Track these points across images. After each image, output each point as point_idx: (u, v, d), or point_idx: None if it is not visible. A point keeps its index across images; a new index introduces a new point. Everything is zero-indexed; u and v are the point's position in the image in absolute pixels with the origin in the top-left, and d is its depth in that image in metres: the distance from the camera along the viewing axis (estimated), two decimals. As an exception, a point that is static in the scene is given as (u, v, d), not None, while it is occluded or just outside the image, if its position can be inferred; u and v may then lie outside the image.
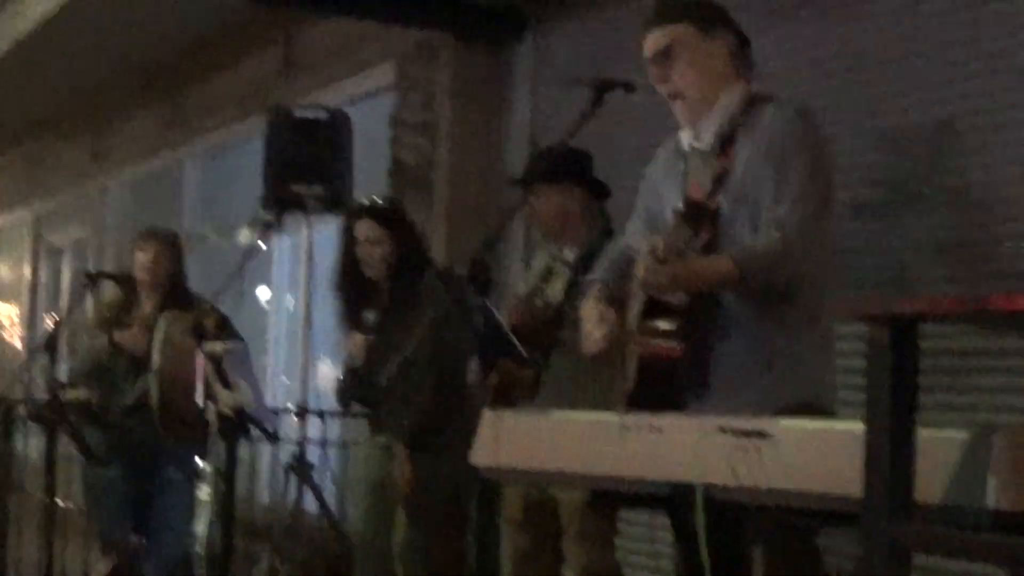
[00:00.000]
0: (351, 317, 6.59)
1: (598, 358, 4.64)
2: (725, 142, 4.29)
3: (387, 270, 6.44)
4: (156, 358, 6.30)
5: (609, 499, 4.20)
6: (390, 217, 6.56)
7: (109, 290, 7.31)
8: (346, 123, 7.21)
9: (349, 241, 6.56)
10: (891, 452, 2.71)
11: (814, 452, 3.01)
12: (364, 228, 6.50)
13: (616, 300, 4.46)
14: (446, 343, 6.13)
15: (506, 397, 5.44)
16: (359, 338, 6.48)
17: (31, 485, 9.42)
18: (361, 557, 6.60)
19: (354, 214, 6.63)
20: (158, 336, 6.37)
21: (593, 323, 4.44)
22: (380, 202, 6.84)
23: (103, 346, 6.83)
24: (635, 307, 4.29)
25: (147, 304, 6.97)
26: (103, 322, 6.98)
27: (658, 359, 4.19)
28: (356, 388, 6.64)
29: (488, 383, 5.57)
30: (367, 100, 9.76)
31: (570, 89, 4.34)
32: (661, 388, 4.16)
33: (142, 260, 6.97)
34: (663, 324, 4.20)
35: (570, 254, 5.68)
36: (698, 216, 4.14)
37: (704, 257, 4.21)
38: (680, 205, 4.18)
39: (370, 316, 6.52)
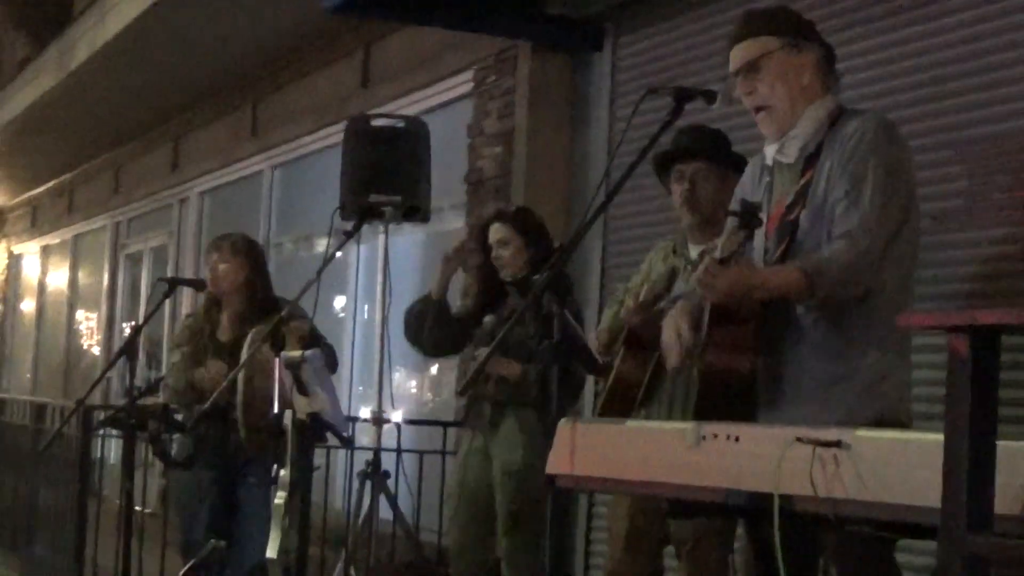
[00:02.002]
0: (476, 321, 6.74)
1: (676, 373, 4.63)
2: (810, 156, 4.28)
3: (521, 271, 6.51)
4: (243, 372, 6.28)
5: (685, 508, 4.18)
6: (518, 219, 6.66)
7: (188, 318, 7.31)
8: (424, 132, 7.22)
9: (485, 248, 6.68)
10: (971, 463, 2.68)
11: (893, 463, 2.99)
12: (494, 230, 6.62)
13: (699, 314, 4.44)
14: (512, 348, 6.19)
15: (621, 401, 5.36)
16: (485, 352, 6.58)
17: (109, 490, 9.52)
18: (456, 565, 6.61)
19: (488, 220, 6.78)
20: (246, 352, 6.33)
21: (671, 340, 4.44)
22: (513, 207, 6.99)
23: (182, 388, 6.83)
24: (705, 316, 4.28)
25: (227, 316, 6.97)
26: (188, 349, 6.94)
27: (721, 370, 4.18)
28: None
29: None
30: (445, 109, 9.80)
31: (649, 99, 4.31)
32: (725, 399, 4.14)
33: (208, 272, 6.98)
34: (732, 334, 4.19)
35: (694, 252, 5.54)
36: (752, 218, 4.13)
37: (773, 267, 4.20)
38: (735, 207, 4.18)
39: (489, 320, 6.61)
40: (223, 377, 6.56)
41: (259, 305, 6.86)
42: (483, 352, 6.39)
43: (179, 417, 6.72)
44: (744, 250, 4.15)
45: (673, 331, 4.43)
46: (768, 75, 4.30)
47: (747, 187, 4.52)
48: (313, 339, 6.28)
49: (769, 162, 4.40)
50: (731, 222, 4.14)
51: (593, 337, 5.87)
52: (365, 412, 7.74)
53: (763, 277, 4.17)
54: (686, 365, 4.46)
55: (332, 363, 6.52)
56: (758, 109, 4.34)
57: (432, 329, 6.72)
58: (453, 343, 6.88)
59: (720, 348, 4.21)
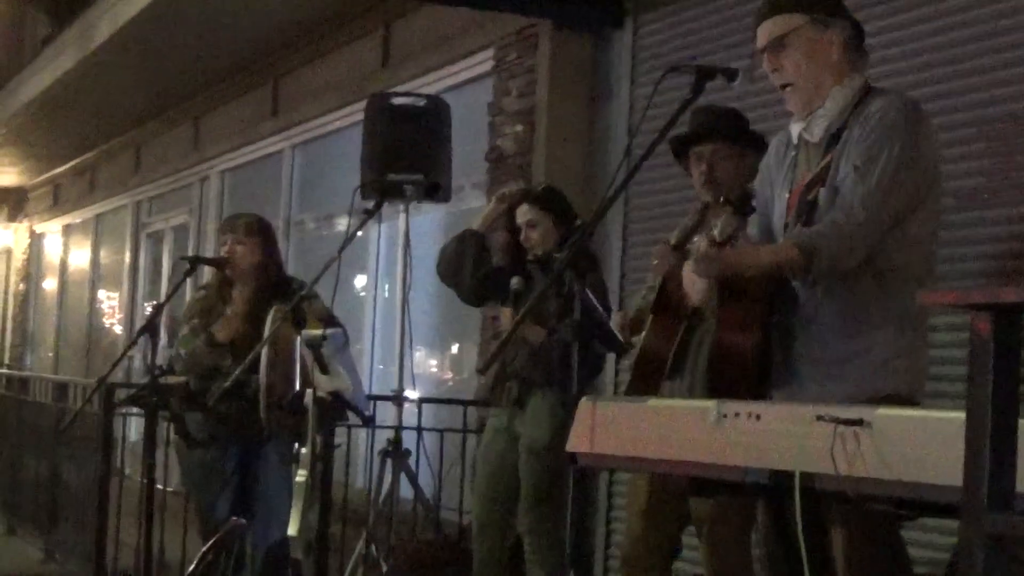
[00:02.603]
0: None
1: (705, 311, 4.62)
2: (834, 136, 4.27)
3: (549, 252, 6.45)
4: (267, 352, 6.27)
5: (705, 486, 4.18)
6: (547, 200, 6.60)
7: (200, 292, 7.30)
8: (445, 110, 7.23)
9: (512, 228, 6.62)
10: (992, 441, 2.68)
11: (914, 441, 2.98)
12: (522, 211, 6.57)
13: None
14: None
15: (649, 375, 5.32)
16: (507, 311, 6.52)
17: (131, 468, 9.54)
18: (478, 542, 6.61)
19: (515, 201, 6.69)
20: (269, 329, 6.30)
21: (690, 278, 4.45)
22: (538, 188, 6.91)
23: (201, 345, 6.82)
24: (713, 296, 4.29)
25: (240, 293, 6.96)
26: (199, 322, 6.94)
27: (734, 346, 4.18)
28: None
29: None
30: (466, 87, 9.79)
31: (669, 77, 4.30)
32: (739, 374, 4.15)
33: (223, 252, 6.97)
34: (740, 311, 4.20)
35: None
36: (746, 204, 4.14)
37: (767, 245, 4.21)
38: (729, 195, 4.19)
39: (516, 280, 6.52)
40: (241, 328, 6.58)
41: (272, 285, 6.86)
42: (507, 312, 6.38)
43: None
44: (740, 234, 4.15)
45: (691, 273, 4.45)
46: (794, 52, 4.29)
47: (771, 163, 4.52)
48: (329, 320, 6.29)
49: (795, 139, 4.39)
50: (725, 208, 4.15)
51: (617, 318, 5.85)
52: (385, 391, 7.76)
53: (757, 256, 4.18)
54: (711, 300, 4.46)
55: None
56: (784, 86, 4.33)
57: (473, 268, 6.64)
58: (492, 288, 6.75)
59: (728, 326, 4.22)
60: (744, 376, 4.16)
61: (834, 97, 4.28)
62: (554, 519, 6.28)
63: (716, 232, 4.09)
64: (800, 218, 4.25)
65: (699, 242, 4.20)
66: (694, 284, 4.48)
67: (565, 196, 6.73)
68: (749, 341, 4.19)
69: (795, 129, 4.39)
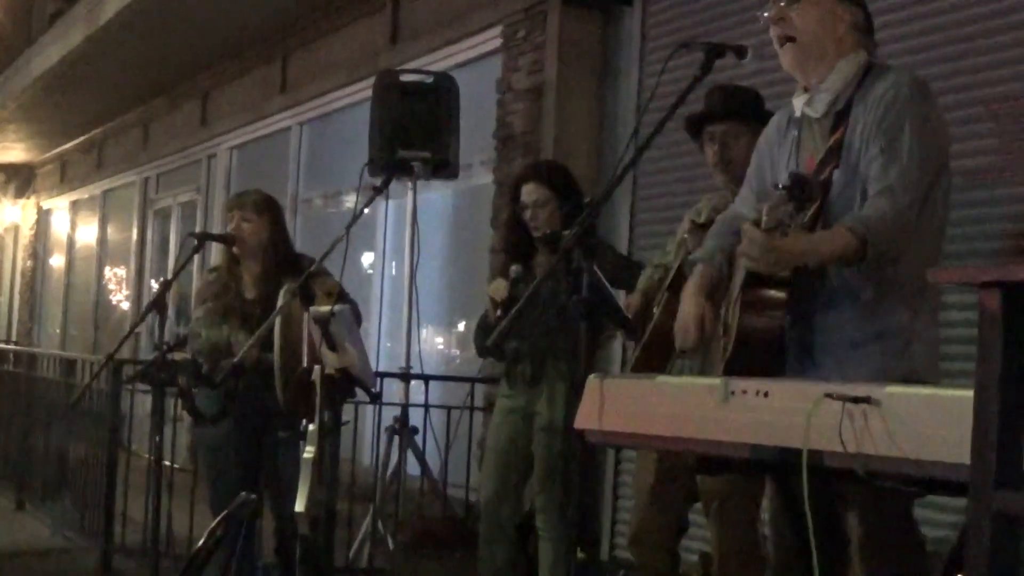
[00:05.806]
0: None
1: (687, 352, 4.58)
2: (840, 112, 4.25)
3: (557, 231, 6.30)
4: (279, 333, 6.25)
5: (714, 464, 4.18)
6: (554, 178, 6.49)
7: (211, 273, 7.28)
8: (453, 88, 7.23)
9: (515, 204, 6.52)
10: (1001, 420, 2.67)
11: (922, 419, 2.98)
12: (530, 190, 6.45)
13: (718, 285, 4.42)
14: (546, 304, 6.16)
15: (659, 350, 5.34)
16: (501, 282, 6.37)
17: (138, 445, 9.57)
18: (487, 520, 6.60)
19: (521, 177, 6.60)
20: (280, 310, 6.27)
21: (691, 320, 4.41)
22: (545, 164, 6.80)
23: (226, 342, 6.78)
24: (739, 276, 4.26)
25: (249, 271, 6.95)
26: (213, 305, 6.92)
27: (758, 330, 4.16)
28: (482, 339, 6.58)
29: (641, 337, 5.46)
30: (474, 65, 9.78)
31: (679, 54, 4.28)
32: (759, 358, 4.13)
33: (232, 230, 6.95)
34: (765, 295, 4.18)
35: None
36: (803, 191, 4.10)
37: (820, 233, 4.16)
38: (785, 179, 4.15)
39: (516, 267, 6.45)
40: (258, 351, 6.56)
41: (281, 262, 6.85)
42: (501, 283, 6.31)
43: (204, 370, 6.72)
44: (790, 222, 4.10)
45: (696, 312, 4.40)
46: (808, 8, 4.24)
47: (772, 139, 4.49)
48: (339, 295, 6.27)
49: (797, 114, 4.36)
50: (779, 194, 4.11)
51: (623, 295, 5.84)
52: (392, 368, 7.76)
53: (813, 244, 4.13)
54: (698, 349, 4.46)
55: (356, 320, 6.51)
56: (784, 39, 4.29)
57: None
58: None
59: (754, 309, 4.19)
60: (766, 360, 4.14)
61: (839, 71, 4.25)
62: (566, 496, 6.28)
63: (763, 219, 4.04)
64: (815, 198, 4.22)
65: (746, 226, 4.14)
66: (689, 329, 4.43)
67: (570, 172, 6.66)
68: (774, 324, 4.17)
69: (797, 104, 4.35)
